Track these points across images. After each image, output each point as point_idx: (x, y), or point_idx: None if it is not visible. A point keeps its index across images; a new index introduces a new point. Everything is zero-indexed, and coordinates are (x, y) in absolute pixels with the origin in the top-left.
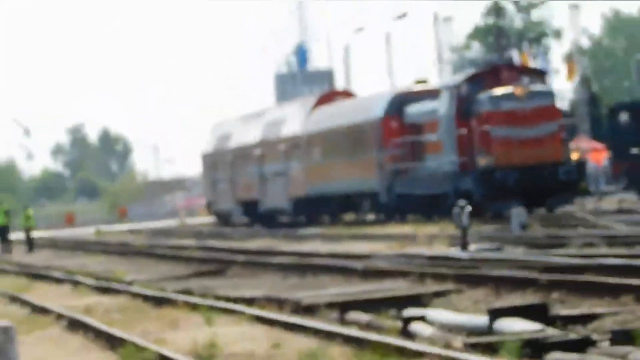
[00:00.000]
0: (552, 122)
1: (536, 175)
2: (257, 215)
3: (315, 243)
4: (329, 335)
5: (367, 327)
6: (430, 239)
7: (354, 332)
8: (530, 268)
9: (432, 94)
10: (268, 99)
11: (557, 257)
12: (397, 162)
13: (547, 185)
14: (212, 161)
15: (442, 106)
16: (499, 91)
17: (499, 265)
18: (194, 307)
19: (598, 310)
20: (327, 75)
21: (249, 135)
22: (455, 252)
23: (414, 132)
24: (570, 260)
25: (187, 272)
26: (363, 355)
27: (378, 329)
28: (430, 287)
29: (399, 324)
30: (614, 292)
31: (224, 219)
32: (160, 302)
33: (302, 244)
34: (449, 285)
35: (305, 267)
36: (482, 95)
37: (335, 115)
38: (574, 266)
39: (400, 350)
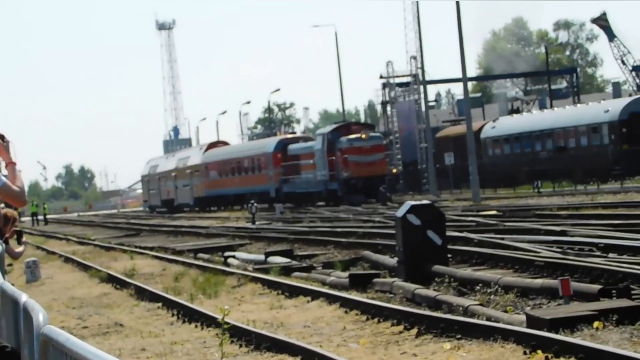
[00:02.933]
0: (381, 153)
1: (372, 182)
2: (173, 207)
3: (182, 220)
4: (189, 265)
5: (208, 260)
6: (237, 218)
7: (201, 262)
8: (284, 232)
9: (304, 139)
10: (160, 151)
11: (297, 227)
12: (282, 176)
13: (378, 187)
14: (147, 179)
15: (317, 145)
16: (352, 136)
17: (269, 231)
18: (124, 251)
19: (316, 252)
20: (188, 141)
21: (168, 165)
22: (249, 225)
23: (293, 159)
24: (303, 228)
25: (121, 234)
26: (205, 274)
27: (212, 261)
28: (237, 241)
29: (222, 259)
30: (323, 243)
31: (153, 209)
32: (108, 248)
33: (176, 221)
34: (246, 241)
35: (177, 232)
36: (343, 138)
37: (229, 152)
38: (305, 231)
39: (223, 271)
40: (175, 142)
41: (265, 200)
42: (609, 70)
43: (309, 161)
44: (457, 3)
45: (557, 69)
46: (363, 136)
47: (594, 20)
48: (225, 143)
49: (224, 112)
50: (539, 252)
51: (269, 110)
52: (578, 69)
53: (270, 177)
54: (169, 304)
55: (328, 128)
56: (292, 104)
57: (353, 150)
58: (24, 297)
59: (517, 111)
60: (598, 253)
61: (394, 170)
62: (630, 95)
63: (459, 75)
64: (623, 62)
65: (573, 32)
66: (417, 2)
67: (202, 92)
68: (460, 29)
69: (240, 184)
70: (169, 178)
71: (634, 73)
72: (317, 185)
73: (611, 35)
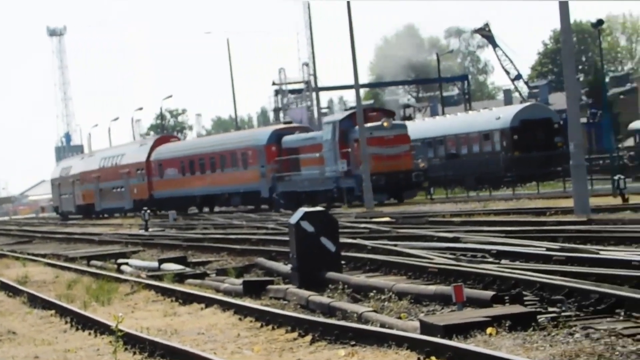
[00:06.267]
0: (406, 144)
1: (397, 178)
2: (94, 213)
3: (75, 228)
4: (82, 272)
5: (101, 267)
6: (131, 225)
7: (94, 270)
8: (178, 239)
9: (301, 129)
10: (52, 158)
11: (190, 234)
12: (276, 172)
13: (404, 184)
14: (58, 183)
15: (325, 135)
16: (371, 124)
17: (162, 238)
18: (17, 258)
19: (210, 259)
20: (80, 148)
21: (88, 166)
22: (142, 232)
23: (290, 153)
24: (196, 235)
25: (13, 241)
26: (98, 281)
27: (105, 268)
28: (130, 248)
29: (115, 266)
30: (217, 250)
31: (65, 216)
32: (0, 256)
33: (68, 228)
34: (139, 247)
35: (70, 239)
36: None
37: (197, 146)
38: (198, 238)
39: (116, 278)
40: (67, 149)
41: (251, 201)
42: (500, 77)
43: (313, 155)
44: (348, 3)
45: (448, 76)
46: (385, 124)
47: (477, 31)
48: (177, 138)
49: (116, 119)
50: (432, 259)
51: (161, 116)
52: (469, 76)
53: (261, 175)
54: (62, 312)
55: (339, 115)
56: (184, 110)
57: (373, 140)
58: None
59: (409, 118)
60: (490, 259)
61: (422, 165)
62: (521, 102)
63: (351, 82)
64: (506, 71)
65: (464, 40)
66: (309, 7)
67: (93, 99)
68: (351, 29)
69: (213, 183)
70: (88, 180)
71: (516, 82)
72: (325, 183)
73: (494, 45)
